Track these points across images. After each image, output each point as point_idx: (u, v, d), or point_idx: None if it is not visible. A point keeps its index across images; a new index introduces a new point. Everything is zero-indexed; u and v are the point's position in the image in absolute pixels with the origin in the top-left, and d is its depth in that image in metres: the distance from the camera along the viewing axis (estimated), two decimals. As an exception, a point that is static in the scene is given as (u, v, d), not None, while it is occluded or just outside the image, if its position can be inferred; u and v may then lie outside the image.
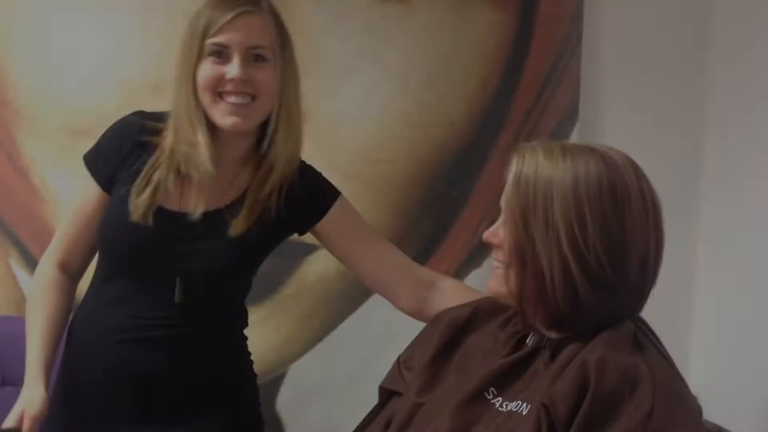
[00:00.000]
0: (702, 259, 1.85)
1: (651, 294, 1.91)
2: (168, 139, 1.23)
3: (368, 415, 1.21)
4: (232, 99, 1.19)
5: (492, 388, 1.02)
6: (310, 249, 1.68)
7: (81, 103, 1.68)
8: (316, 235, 1.34)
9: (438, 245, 1.79)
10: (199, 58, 1.19)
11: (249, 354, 1.38)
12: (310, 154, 1.68)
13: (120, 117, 1.29)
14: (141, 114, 1.28)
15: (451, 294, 1.30)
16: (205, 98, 1.20)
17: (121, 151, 1.25)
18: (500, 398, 1.01)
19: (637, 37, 1.79)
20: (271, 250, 1.33)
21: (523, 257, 1.00)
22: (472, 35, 1.73)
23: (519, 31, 1.74)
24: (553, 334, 1.02)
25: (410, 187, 1.76)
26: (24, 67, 1.68)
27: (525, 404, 0.99)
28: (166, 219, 1.22)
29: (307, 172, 1.32)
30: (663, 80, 1.81)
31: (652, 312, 1.83)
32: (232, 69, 1.18)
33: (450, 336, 1.14)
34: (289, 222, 1.30)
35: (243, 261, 1.28)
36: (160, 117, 1.26)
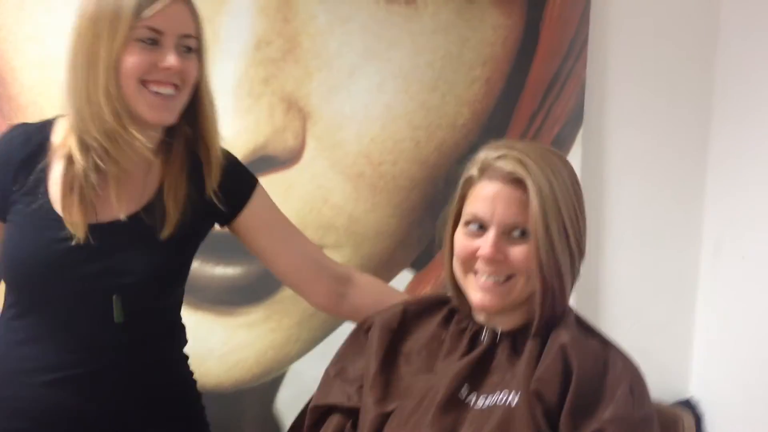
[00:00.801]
0: (706, 262, 1.84)
1: (655, 295, 1.91)
2: (70, 138, 1.11)
3: None
4: (160, 90, 1.10)
5: (464, 389, 1.06)
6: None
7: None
8: (236, 227, 1.26)
9: (441, 247, 1.78)
10: (126, 41, 1.07)
11: (192, 374, 1.32)
12: (313, 155, 1.70)
13: None
14: (21, 125, 1.18)
15: (367, 289, 1.31)
16: (129, 86, 1.08)
17: (8, 170, 1.13)
18: (474, 395, 1.04)
19: (643, 41, 1.79)
20: (198, 245, 1.25)
21: (545, 268, 1.04)
22: (477, 38, 1.73)
23: (525, 34, 1.74)
24: (506, 328, 1.09)
25: (413, 189, 1.76)
26: (28, 63, 1.68)
27: (508, 395, 1.02)
28: (92, 230, 1.11)
29: (228, 157, 1.24)
30: (669, 84, 1.80)
31: (655, 313, 1.85)
32: (170, 58, 1.08)
33: (389, 340, 1.15)
34: (212, 212, 1.22)
35: (180, 263, 1.21)
36: (44, 124, 1.17)
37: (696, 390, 1.87)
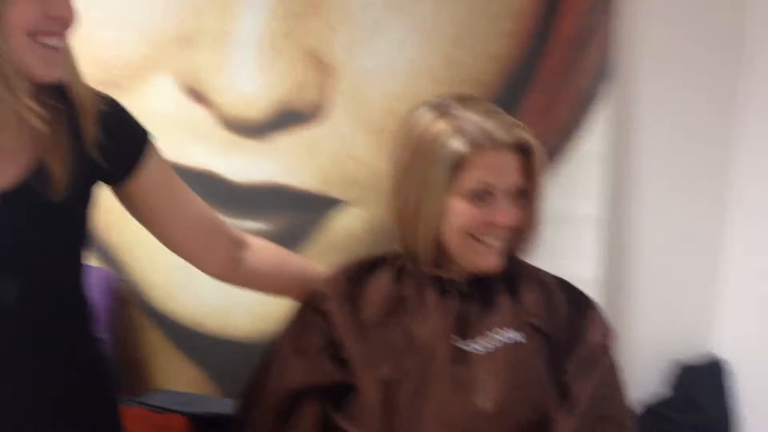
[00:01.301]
0: (732, 224, 1.81)
1: (679, 251, 1.89)
2: None
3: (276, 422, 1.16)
4: (53, 42, 0.96)
5: (456, 339, 1.11)
6: (336, 203, 1.69)
7: (109, 55, 1.70)
8: (128, 188, 1.10)
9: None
10: None
11: (104, 359, 1.17)
12: (336, 110, 1.70)
13: None
14: None
15: (263, 252, 1.26)
16: (19, 41, 0.92)
17: None
18: (469, 342, 1.08)
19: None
20: (89, 210, 1.08)
21: (538, 224, 1.19)
22: (502, -10, 1.70)
23: (551, -15, 1.70)
24: (462, 277, 1.17)
25: (437, 145, 1.75)
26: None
27: (508, 334, 1.11)
28: None
29: (111, 104, 1.09)
30: (701, 36, 1.76)
31: (679, 270, 1.83)
32: (61, 3, 0.96)
33: (350, 310, 1.18)
34: (99, 171, 1.06)
35: (78, 226, 1.06)
36: None
37: (720, 347, 1.85)
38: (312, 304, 1.21)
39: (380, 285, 1.18)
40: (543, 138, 1.75)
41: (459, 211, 1.12)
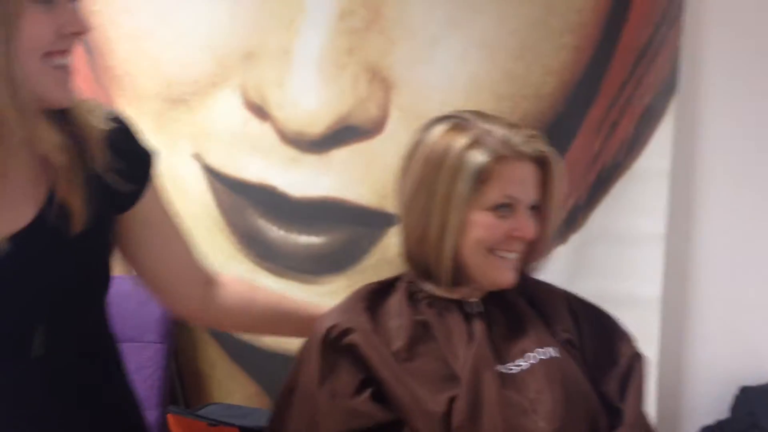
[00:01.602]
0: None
1: (749, 274, 1.83)
2: None
3: None
4: (64, 61, 0.86)
5: (496, 361, 1.08)
6: (393, 218, 1.68)
7: (176, 72, 1.73)
8: (129, 215, 0.99)
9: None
10: (19, 10, 0.80)
11: (138, 407, 1.08)
12: (396, 125, 1.70)
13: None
14: None
15: (234, 288, 1.14)
16: (32, 65, 0.83)
17: None
18: (507, 366, 1.07)
19: (742, 8, 1.70)
20: (110, 241, 0.98)
21: (551, 238, 1.15)
22: (565, 4, 1.67)
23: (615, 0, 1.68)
24: (477, 297, 1.13)
25: (497, 160, 1.74)
26: (122, 34, 1.74)
27: (544, 352, 1.08)
28: None
29: (115, 117, 0.98)
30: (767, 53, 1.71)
31: (750, 293, 1.78)
32: (74, 18, 0.85)
33: (379, 343, 1.08)
34: (118, 191, 0.96)
35: (100, 260, 0.97)
36: None
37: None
38: (332, 342, 1.08)
39: (398, 313, 1.11)
40: (606, 154, 1.74)
41: (482, 225, 1.07)
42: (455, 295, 1.11)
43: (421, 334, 1.09)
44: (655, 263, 1.76)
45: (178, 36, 1.73)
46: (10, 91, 0.81)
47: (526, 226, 1.08)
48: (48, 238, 0.89)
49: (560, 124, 1.72)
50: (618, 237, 1.77)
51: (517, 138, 1.07)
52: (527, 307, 1.14)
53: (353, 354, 1.07)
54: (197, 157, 1.75)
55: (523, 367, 1.06)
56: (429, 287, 1.12)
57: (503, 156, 1.06)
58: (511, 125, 1.10)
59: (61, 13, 0.84)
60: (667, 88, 1.71)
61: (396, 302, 1.12)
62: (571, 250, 1.77)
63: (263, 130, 1.67)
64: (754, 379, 1.80)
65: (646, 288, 1.77)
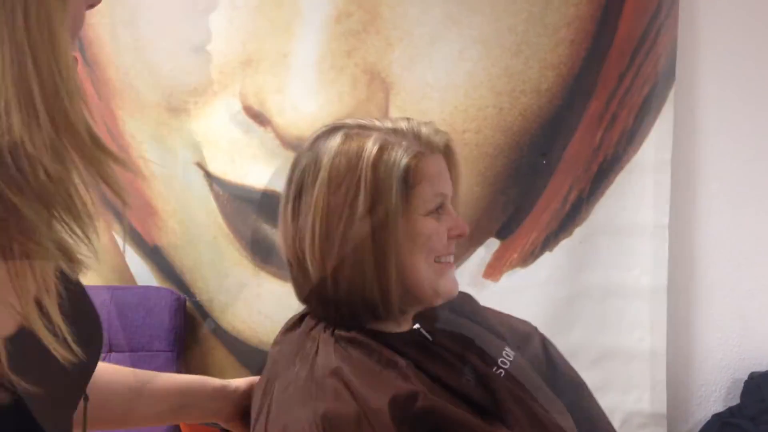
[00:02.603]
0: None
1: (751, 260, 1.83)
2: None
3: None
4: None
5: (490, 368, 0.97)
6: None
7: (176, 81, 1.73)
8: None
9: (526, 215, 1.77)
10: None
11: None
12: (396, 125, 1.70)
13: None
14: None
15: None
16: None
17: None
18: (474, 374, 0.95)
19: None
20: None
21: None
22: (561, -2, 1.68)
23: (611, -9, 1.68)
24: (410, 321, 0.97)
25: (497, 157, 1.74)
26: (122, 46, 1.74)
27: (502, 355, 0.98)
28: None
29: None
30: (765, 41, 1.71)
31: (752, 278, 1.78)
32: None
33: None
34: None
35: None
36: None
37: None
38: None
39: (372, 371, 0.89)
40: (607, 146, 1.74)
41: (427, 233, 0.92)
42: (404, 327, 0.94)
43: (419, 378, 0.90)
44: (660, 253, 1.76)
45: (177, 46, 1.73)
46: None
47: (461, 222, 0.95)
48: None
49: (560, 118, 1.73)
50: (622, 228, 1.77)
51: (424, 130, 0.94)
52: (452, 315, 1.00)
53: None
54: (199, 165, 1.76)
55: (507, 366, 0.98)
56: (374, 327, 0.92)
57: (420, 152, 0.92)
58: (405, 119, 0.96)
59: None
60: (666, 79, 1.71)
61: (356, 361, 0.89)
62: (576, 243, 1.77)
63: (264, 136, 1.67)
64: (763, 365, 1.81)
65: (651, 278, 1.78)
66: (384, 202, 0.89)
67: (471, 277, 1.76)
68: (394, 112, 1.69)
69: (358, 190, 0.89)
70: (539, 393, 0.97)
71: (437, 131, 0.94)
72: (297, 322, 0.96)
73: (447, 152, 0.95)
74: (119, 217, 1.83)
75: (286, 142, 1.67)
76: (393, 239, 0.89)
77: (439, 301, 0.95)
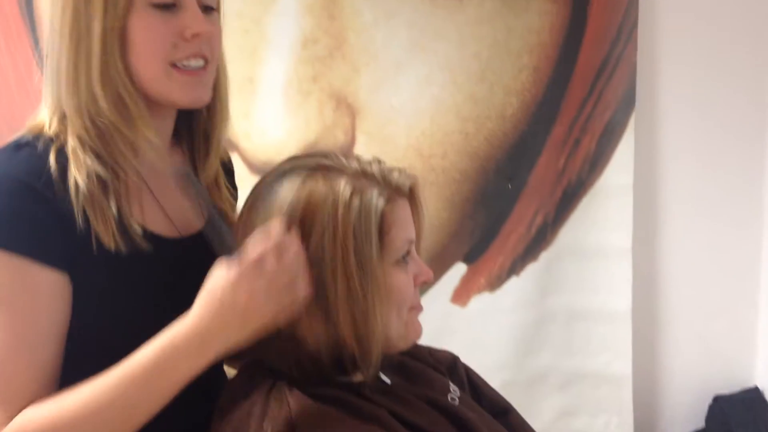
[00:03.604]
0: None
1: (716, 281, 1.85)
2: (77, 156, 0.84)
3: None
4: (191, 63, 0.87)
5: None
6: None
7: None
8: None
9: (493, 239, 1.78)
10: (130, 7, 0.83)
11: None
12: (363, 150, 1.70)
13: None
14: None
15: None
16: (154, 68, 0.85)
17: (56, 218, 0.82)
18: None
19: (695, 21, 1.75)
20: None
21: None
22: (523, 25, 1.71)
23: (572, 19, 1.71)
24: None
25: (464, 182, 1.75)
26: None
27: (453, 388, 0.98)
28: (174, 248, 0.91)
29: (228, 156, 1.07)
30: (723, 65, 1.76)
31: (717, 300, 1.81)
32: (195, 20, 0.85)
33: None
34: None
35: None
36: (32, 154, 0.84)
37: (762, 379, 1.82)
38: None
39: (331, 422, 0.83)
40: (571, 170, 1.77)
41: (400, 284, 0.87)
42: (354, 378, 0.87)
43: (398, 428, 0.86)
44: (623, 277, 1.78)
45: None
46: (115, 88, 0.84)
47: (425, 268, 0.90)
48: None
49: (525, 143, 1.75)
50: (587, 252, 1.79)
51: (393, 174, 0.88)
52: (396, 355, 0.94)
53: None
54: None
55: (457, 401, 0.96)
56: (340, 378, 0.87)
57: (392, 197, 0.86)
58: (372, 161, 0.89)
59: (182, 16, 0.85)
60: (626, 104, 1.75)
61: (337, 420, 0.83)
62: (542, 267, 1.78)
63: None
64: (727, 387, 1.83)
65: (616, 302, 1.79)
66: (362, 250, 0.82)
67: (438, 303, 1.76)
68: (360, 138, 1.70)
69: (332, 237, 0.82)
70: (488, 421, 0.97)
71: (404, 174, 0.89)
72: (245, 383, 0.87)
73: (412, 197, 0.91)
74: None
75: (254, 168, 1.66)
76: (375, 290, 0.83)
77: (404, 348, 0.92)
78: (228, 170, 1.07)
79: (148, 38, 0.84)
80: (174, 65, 0.86)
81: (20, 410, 0.80)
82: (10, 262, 0.80)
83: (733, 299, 1.83)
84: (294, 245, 0.80)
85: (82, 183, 0.82)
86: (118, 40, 0.83)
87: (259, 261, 0.78)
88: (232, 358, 0.89)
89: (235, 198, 1.06)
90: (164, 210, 0.92)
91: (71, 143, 0.84)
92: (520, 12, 1.70)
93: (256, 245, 0.79)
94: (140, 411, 0.79)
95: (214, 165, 0.99)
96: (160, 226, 0.91)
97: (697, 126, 1.79)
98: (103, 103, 0.84)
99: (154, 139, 0.88)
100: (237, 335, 0.79)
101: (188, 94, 0.88)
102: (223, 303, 0.78)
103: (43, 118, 0.88)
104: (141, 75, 0.85)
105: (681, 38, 1.75)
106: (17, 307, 0.80)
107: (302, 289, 0.81)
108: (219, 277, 0.79)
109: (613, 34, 1.72)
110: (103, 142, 0.85)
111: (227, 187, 1.03)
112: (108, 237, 0.83)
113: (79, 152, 0.84)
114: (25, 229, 0.80)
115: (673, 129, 1.79)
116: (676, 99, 1.78)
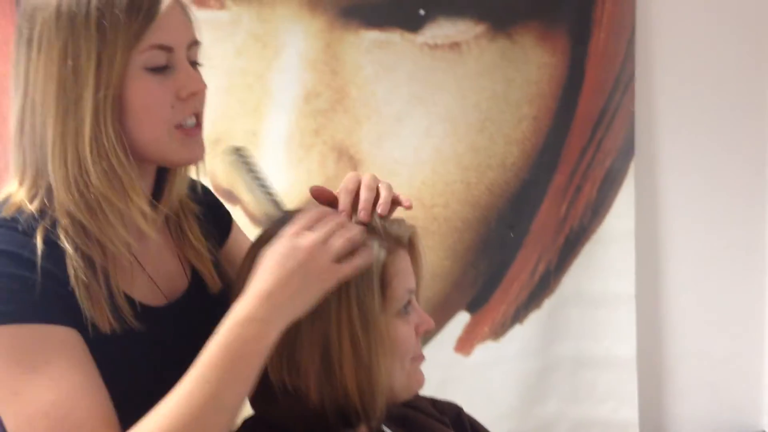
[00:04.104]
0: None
1: (721, 328, 1.85)
2: (65, 223, 0.81)
3: None
4: (188, 122, 0.86)
5: None
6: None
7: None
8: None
9: (496, 288, 1.78)
10: (124, 75, 0.80)
11: None
12: (365, 201, 1.71)
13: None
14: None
15: None
16: (156, 131, 0.84)
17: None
18: None
19: (691, 71, 1.78)
20: None
21: None
22: (522, 77, 1.74)
23: (570, 70, 1.74)
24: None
25: (466, 231, 1.76)
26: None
27: None
28: (158, 318, 0.89)
29: (198, 184, 1.03)
30: (720, 113, 1.78)
31: (722, 347, 1.80)
32: (191, 80, 0.85)
33: None
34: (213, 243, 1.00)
35: None
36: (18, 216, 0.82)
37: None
38: None
39: None
40: (573, 217, 1.78)
41: (403, 336, 0.87)
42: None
43: None
44: (628, 323, 1.78)
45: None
46: (112, 157, 0.81)
47: (426, 317, 0.90)
48: (201, 302, 0.93)
49: (526, 191, 1.76)
50: (590, 299, 1.79)
51: (393, 225, 0.89)
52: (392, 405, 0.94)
53: None
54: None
55: None
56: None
57: (392, 249, 0.87)
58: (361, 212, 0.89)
59: (176, 78, 0.84)
60: (626, 152, 1.76)
61: None
62: (545, 314, 1.78)
63: (234, 215, 1.67)
64: (734, 432, 1.81)
65: (621, 348, 1.79)
66: (364, 302, 0.83)
67: (442, 352, 1.75)
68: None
69: (336, 290, 0.82)
70: None
71: (404, 226, 0.90)
72: None
73: (411, 247, 0.91)
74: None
75: (256, 220, 1.67)
76: (378, 341, 0.83)
77: (406, 399, 0.92)
78: (209, 205, 1.04)
79: (148, 103, 0.82)
80: (177, 126, 0.85)
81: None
82: (20, 332, 0.77)
83: (739, 344, 1.83)
84: (342, 217, 0.85)
85: (78, 267, 0.80)
86: (110, 108, 0.80)
87: (315, 221, 0.82)
88: None
89: (224, 226, 1.07)
90: (151, 278, 0.91)
91: (63, 222, 0.81)
92: (519, 64, 1.73)
93: (308, 214, 0.83)
94: (229, 402, 0.78)
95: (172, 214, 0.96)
96: (149, 296, 0.90)
97: (697, 171, 1.81)
98: (93, 176, 0.80)
99: (146, 209, 0.85)
100: (301, 298, 0.79)
101: (188, 153, 0.88)
102: (284, 266, 0.79)
103: (17, 192, 0.83)
104: (139, 138, 0.83)
105: (678, 86, 1.78)
106: (55, 364, 0.77)
107: (351, 262, 0.82)
108: (279, 245, 0.80)
109: (610, 84, 1.75)
110: (91, 215, 0.82)
111: (206, 234, 1.00)
112: (103, 321, 0.81)
113: (70, 231, 0.81)
114: (22, 297, 0.77)
115: (673, 175, 1.81)
116: (675, 145, 1.80)
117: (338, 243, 0.82)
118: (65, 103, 0.79)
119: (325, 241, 0.81)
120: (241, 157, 0.91)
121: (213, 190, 1.12)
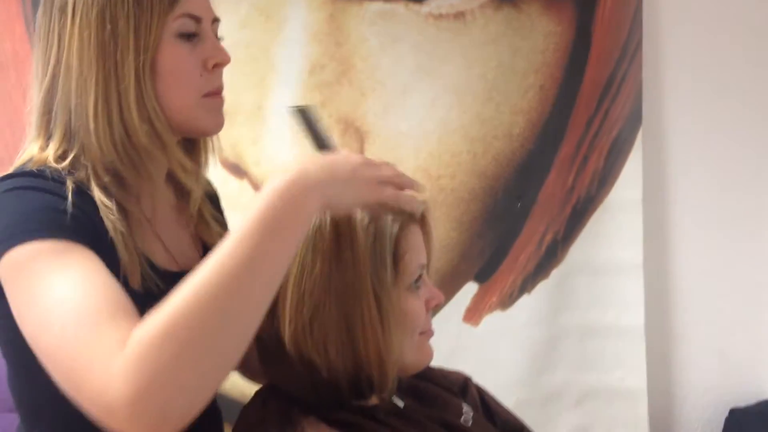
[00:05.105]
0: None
1: (729, 295, 1.85)
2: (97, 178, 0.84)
3: None
4: (217, 90, 0.91)
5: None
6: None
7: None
8: None
9: (503, 258, 1.78)
10: (159, 39, 0.84)
11: None
12: (372, 174, 1.71)
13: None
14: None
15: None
16: (186, 98, 0.87)
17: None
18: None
19: (699, 37, 1.76)
20: None
21: None
22: (528, 46, 1.72)
23: (576, 39, 1.73)
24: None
25: (473, 201, 1.76)
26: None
27: (466, 408, 0.99)
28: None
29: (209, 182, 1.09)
30: (728, 79, 1.77)
31: (730, 313, 1.80)
32: (218, 50, 0.89)
33: None
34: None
35: None
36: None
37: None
38: None
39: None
40: (580, 188, 1.77)
41: (414, 309, 0.88)
42: (366, 402, 0.89)
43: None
44: (635, 292, 1.78)
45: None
46: (146, 118, 0.85)
47: (437, 292, 0.92)
48: None
49: (533, 161, 1.76)
50: (598, 268, 1.79)
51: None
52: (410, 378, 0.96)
53: None
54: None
55: (470, 423, 0.98)
56: (354, 402, 0.88)
57: (405, 222, 0.88)
58: None
59: (203, 48, 0.88)
60: (633, 121, 1.75)
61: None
62: (553, 284, 1.79)
63: (241, 188, 1.68)
64: (742, 400, 1.82)
65: (629, 317, 1.79)
66: (378, 276, 0.84)
67: (450, 323, 1.76)
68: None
69: (351, 263, 0.83)
70: None
71: (416, 201, 0.89)
72: (259, 409, 0.88)
73: (423, 222, 0.92)
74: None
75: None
76: (391, 315, 0.84)
77: (416, 371, 0.93)
78: (212, 197, 1.09)
79: (180, 69, 0.86)
80: (204, 95, 0.88)
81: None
82: (44, 245, 0.75)
83: (747, 311, 1.83)
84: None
85: (117, 219, 0.82)
86: (149, 72, 0.84)
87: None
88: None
89: (223, 223, 1.09)
90: (164, 244, 0.93)
91: (106, 179, 0.84)
92: (524, 33, 1.71)
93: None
94: (267, 273, 0.72)
95: (197, 200, 0.99)
96: (163, 260, 0.92)
97: (704, 139, 1.80)
98: (140, 133, 0.84)
99: (186, 162, 0.90)
100: (341, 189, 0.78)
101: (214, 120, 0.91)
102: (334, 161, 0.79)
103: (40, 154, 0.85)
104: (170, 104, 0.86)
105: (686, 54, 1.76)
106: (74, 267, 0.75)
107: (395, 192, 0.83)
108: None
109: (617, 52, 1.73)
110: (134, 169, 0.86)
111: (215, 218, 1.05)
112: (135, 275, 0.83)
113: (112, 186, 0.84)
114: (52, 217, 0.77)
115: (681, 143, 1.80)
116: (682, 113, 1.78)
117: (389, 171, 0.85)
118: (107, 66, 0.83)
119: (378, 167, 0.83)
120: (306, 116, 0.91)
121: (220, 164, 1.13)
